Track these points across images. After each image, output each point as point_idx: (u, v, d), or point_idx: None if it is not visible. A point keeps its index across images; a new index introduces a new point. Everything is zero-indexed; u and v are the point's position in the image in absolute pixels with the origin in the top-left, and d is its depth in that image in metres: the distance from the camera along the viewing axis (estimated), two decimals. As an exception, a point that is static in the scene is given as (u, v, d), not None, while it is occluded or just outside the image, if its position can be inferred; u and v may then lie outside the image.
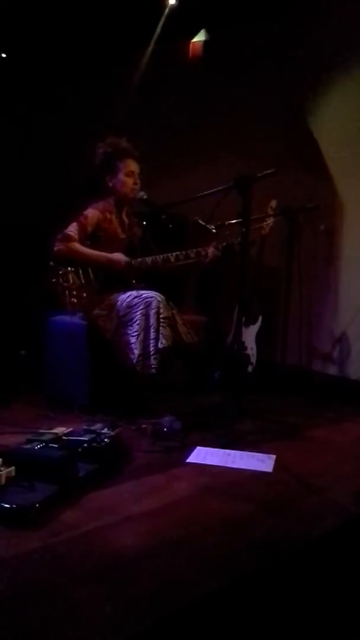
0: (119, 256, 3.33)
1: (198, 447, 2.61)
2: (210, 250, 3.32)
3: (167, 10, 4.00)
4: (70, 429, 2.46)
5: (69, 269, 3.20)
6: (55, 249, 3.25)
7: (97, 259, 3.30)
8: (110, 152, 3.39)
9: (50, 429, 2.44)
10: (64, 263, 3.20)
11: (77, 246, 3.28)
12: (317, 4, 3.84)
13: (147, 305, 3.10)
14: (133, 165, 3.42)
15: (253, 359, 3.69)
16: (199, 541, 1.82)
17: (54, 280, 3.17)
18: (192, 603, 1.50)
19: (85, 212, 3.36)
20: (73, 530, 1.85)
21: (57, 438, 2.35)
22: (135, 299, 3.15)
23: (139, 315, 3.09)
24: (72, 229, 3.29)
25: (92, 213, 3.37)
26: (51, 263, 3.20)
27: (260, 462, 2.46)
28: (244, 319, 3.28)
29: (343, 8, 3.70)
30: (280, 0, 3.90)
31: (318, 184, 3.92)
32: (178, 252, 3.32)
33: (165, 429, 2.74)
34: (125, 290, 3.25)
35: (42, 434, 2.37)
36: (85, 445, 2.31)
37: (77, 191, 3.95)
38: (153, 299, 3.11)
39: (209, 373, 3.64)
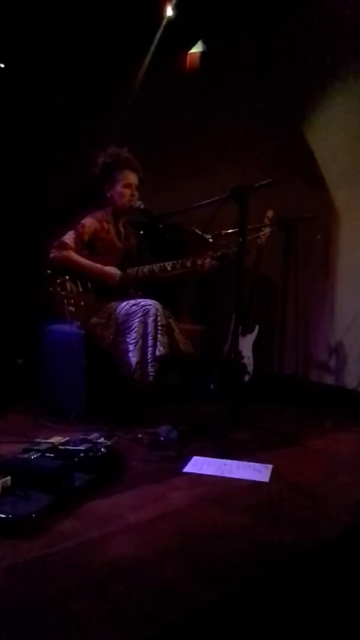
0: (112, 270, 3.34)
1: (195, 457, 2.61)
2: (207, 259, 3.33)
3: (165, 21, 4.03)
4: (67, 439, 2.45)
5: (67, 277, 3.21)
6: (51, 255, 3.27)
7: (91, 269, 3.31)
8: (109, 163, 3.40)
9: (46, 439, 2.43)
10: (59, 271, 3.21)
11: (73, 255, 3.29)
12: (315, 13, 3.87)
13: (145, 313, 3.11)
14: (131, 177, 3.42)
15: (250, 369, 3.69)
16: (196, 551, 1.82)
17: (51, 288, 3.18)
18: (189, 614, 1.50)
19: (82, 221, 3.37)
20: (69, 541, 1.84)
21: (53, 447, 2.34)
22: (134, 307, 3.16)
23: (137, 323, 3.10)
24: (69, 237, 3.30)
25: (89, 222, 3.38)
26: (49, 271, 3.21)
27: (257, 472, 2.46)
28: (240, 328, 3.29)
29: (343, 16, 3.72)
30: (279, 11, 3.93)
31: (315, 194, 3.93)
32: (175, 261, 3.33)
33: (161, 439, 2.74)
34: (123, 299, 3.26)
35: (39, 443, 2.37)
36: (81, 454, 2.30)
37: (76, 200, 3.96)
38: (151, 306, 3.12)
39: (205, 382, 3.64)
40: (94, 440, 2.44)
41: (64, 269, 3.24)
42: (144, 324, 3.09)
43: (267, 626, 1.62)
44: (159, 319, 3.09)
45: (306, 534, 1.97)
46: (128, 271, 3.38)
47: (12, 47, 4.10)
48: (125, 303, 3.21)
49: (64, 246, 3.27)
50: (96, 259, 3.34)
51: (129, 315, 3.15)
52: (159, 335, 3.06)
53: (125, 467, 2.47)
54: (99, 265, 3.33)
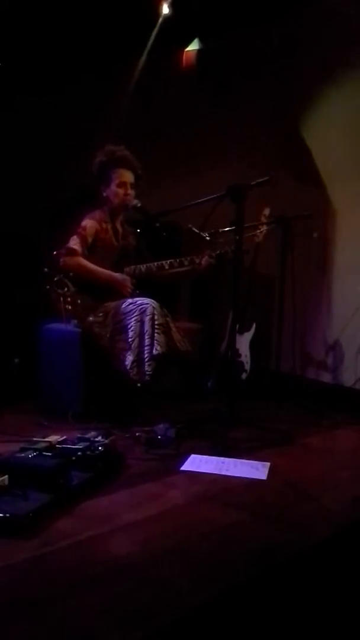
0: (121, 277, 3.34)
1: (192, 455, 2.61)
2: (204, 258, 3.33)
3: (160, 19, 4.02)
4: (64, 437, 2.45)
5: (62, 275, 3.21)
6: (61, 263, 3.24)
7: (102, 276, 3.30)
8: (105, 161, 3.39)
9: (44, 438, 2.43)
10: (66, 275, 3.20)
11: (83, 261, 3.27)
12: (314, 13, 3.86)
13: (142, 312, 3.10)
14: (126, 176, 3.40)
15: (247, 367, 3.69)
16: (194, 549, 1.82)
17: (48, 287, 3.17)
18: (187, 612, 1.50)
19: (83, 224, 3.35)
20: (67, 539, 1.84)
21: (50, 446, 2.34)
22: (130, 306, 3.16)
23: (134, 322, 3.10)
24: (75, 243, 3.28)
25: (90, 224, 3.36)
26: (45, 270, 3.20)
27: (255, 470, 2.46)
28: (237, 326, 3.29)
29: (341, 16, 3.72)
30: (276, 9, 3.93)
31: (311, 192, 3.93)
32: (172, 260, 3.33)
33: (159, 437, 2.74)
34: (119, 297, 3.25)
35: (36, 442, 2.36)
36: (79, 453, 2.30)
37: (71, 200, 3.95)
38: (148, 305, 3.12)
39: (203, 380, 3.64)
40: (92, 439, 2.43)
41: (74, 274, 3.23)
42: (141, 322, 3.09)
43: (265, 624, 1.62)
44: (155, 317, 3.08)
45: (304, 532, 1.97)
46: (125, 270, 3.38)
47: (8, 47, 4.09)
48: (122, 302, 3.21)
49: (73, 252, 3.26)
50: (93, 258, 3.33)
51: (125, 314, 3.15)
52: (155, 334, 3.06)
53: (122, 466, 2.47)
54: (107, 272, 3.32)
